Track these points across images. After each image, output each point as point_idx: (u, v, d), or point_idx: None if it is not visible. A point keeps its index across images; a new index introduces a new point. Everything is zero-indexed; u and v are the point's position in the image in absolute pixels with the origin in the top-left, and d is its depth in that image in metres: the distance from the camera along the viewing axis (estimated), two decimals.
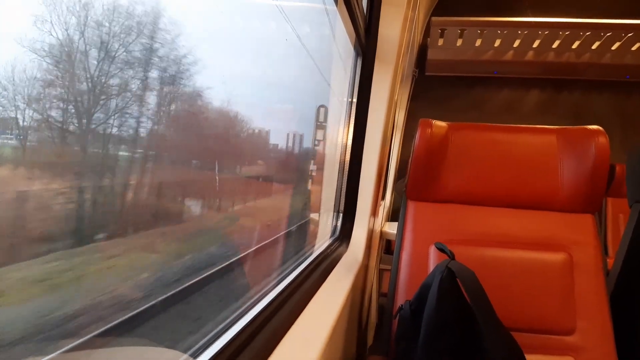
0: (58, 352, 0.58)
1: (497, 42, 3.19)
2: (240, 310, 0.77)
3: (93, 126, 0.75)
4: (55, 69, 0.65)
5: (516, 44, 3.18)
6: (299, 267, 1.07)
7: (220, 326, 0.68)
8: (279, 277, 1.00)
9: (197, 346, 0.63)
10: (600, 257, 1.21)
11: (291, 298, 0.87)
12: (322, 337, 0.75)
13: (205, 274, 1.32)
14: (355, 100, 1.53)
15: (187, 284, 1.21)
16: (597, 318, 1.14)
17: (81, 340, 0.65)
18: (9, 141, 0.64)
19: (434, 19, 3.04)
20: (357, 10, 1.21)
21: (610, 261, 1.35)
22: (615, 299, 1.20)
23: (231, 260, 1.50)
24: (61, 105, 0.68)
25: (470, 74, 3.57)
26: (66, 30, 0.62)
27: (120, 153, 0.87)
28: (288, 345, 0.69)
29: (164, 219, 1.13)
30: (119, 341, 0.70)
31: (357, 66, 1.51)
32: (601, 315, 1.15)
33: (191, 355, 0.62)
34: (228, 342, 0.62)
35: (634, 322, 1.15)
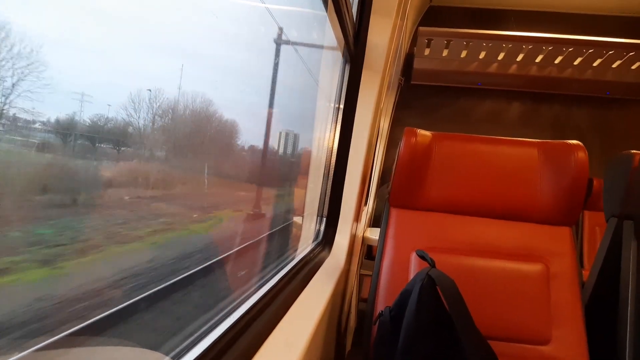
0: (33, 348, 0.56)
1: (482, 54, 3.24)
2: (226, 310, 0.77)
3: None
4: None
5: (500, 56, 3.24)
6: (282, 271, 1.07)
7: (203, 329, 0.68)
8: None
9: (178, 349, 0.62)
10: (576, 269, 1.24)
11: (273, 302, 0.87)
12: (302, 341, 0.75)
13: None
14: (342, 106, 1.54)
15: None
16: (572, 329, 1.17)
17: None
18: None
19: (421, 28, 3.07)
20: (347, 18, 1.22)
21: (585, 273, 1.37)
22: (589, 310, 1.22)
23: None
24: None
25: (455, 84, 3.61)
26: None
27: None
28: (270, 348, 0.69)
29: None
30: (99, 341, 0.69)
31: (345, 73, 1.52)
32: (576, 326, 1.17)
33: (173, 358, 0.62)
34: (210, 345, 0.62)
35: (607, 333, 1.17)
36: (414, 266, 1.26)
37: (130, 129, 0.78)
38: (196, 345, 0.62)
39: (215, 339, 0.64)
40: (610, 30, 3.14)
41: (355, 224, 1.59)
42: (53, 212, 0.62)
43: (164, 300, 1.05)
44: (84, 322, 0.68)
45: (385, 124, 3.50)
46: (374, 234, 2.11)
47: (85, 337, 0.65)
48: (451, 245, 1.28)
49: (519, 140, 1.36)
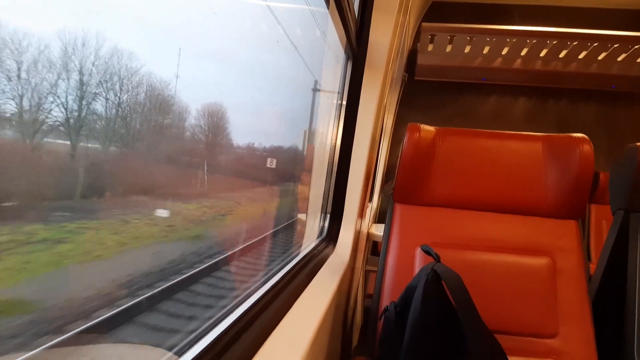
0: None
1: (486, 49, 3.23)
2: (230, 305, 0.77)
3: None
4: None
5: (504, 51, 3.22)
6: (286, 267, 1.08)
7: (207, 324, 0.69)
8: None
9: (182, 344, 0.63)
10: (582, 262, 1.23)
11: (278, 297, 0.87)
12: (307, 336, 0.76)
13: None
14: (344, 102, 1.54)
15: None
16: (579, 322, 1.16)
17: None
18: None
19: (424, 24, 3.06)
20: (349, 15, 1.22)
21: (592, 266, 1.37)
22: (596, 304, 1.22)
23: None
24: None
25: (459, 79, 3.60)
26: None
27: None
28: (274, 344, 0.69)
29: None
30: (102, 339, 0.69)
31: (348, 70, 1.52)
32: (583, 320, 1.17)
33: (175, 353, 0.62)
34: (214, 340, 0.63)
35: (614, 327, 1.17)
36: (419, 261, 1.26)
37: None
38: (200, 340, 0.63)
39: (219, 334, 0.64)
40: (615, 24, 3.11)
41: (359, 220, 1.59)
42: None
43: None
44: None
45: (389, 121, 3.49)
46: (379, 230, 2.11)
47: None
48: (456, 240, 1.28)
49: (524, 134, 1.35)
